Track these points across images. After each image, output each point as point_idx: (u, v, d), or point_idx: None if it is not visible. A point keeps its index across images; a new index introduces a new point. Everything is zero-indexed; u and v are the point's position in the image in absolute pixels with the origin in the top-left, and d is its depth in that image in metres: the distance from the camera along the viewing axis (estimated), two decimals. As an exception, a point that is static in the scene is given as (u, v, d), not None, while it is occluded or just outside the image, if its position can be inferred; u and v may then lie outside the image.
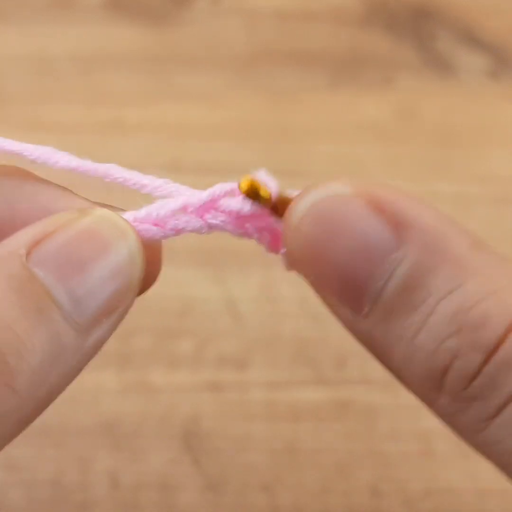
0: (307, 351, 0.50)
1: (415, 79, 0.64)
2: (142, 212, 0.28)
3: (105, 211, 0.26)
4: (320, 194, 0.25)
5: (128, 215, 0.27)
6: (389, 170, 0.59)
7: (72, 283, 0.24)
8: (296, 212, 0.25)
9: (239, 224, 0.28)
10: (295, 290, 0.52)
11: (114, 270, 0.24)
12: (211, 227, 0.28)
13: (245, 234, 0.28)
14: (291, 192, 0.27)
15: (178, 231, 0.28)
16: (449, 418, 0.24)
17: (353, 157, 0.59)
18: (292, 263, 0.26)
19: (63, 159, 0.29)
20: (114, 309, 0.25)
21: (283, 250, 0.26)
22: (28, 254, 0.24)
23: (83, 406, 0.47)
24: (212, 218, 0.28)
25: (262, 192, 0.27)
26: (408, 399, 0.49)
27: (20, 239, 0.24)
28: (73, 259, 0.24)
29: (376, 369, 0.53)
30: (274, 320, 0.51)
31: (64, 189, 0.28)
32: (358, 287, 0.24)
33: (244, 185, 0.27)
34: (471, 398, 0.23)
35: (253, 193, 0.27)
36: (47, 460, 0.46)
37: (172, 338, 0.50)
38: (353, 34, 0.66)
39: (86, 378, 0.48)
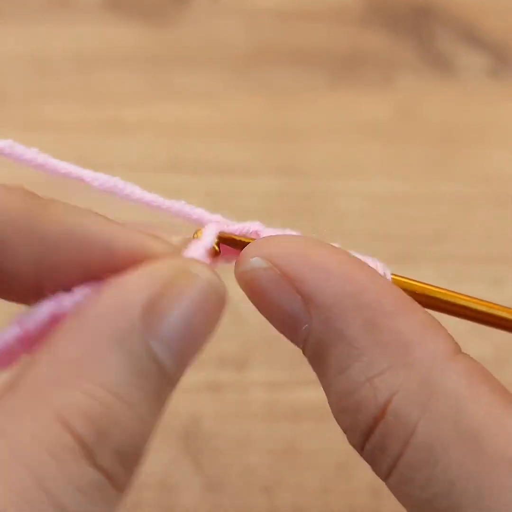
0: (307, 351, 0.50)
1: (415, 79, 0.64)
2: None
3: (209, 275, 0.26)
4: (245, 266, 0.27)
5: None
6: (389, 170, 0.59)
7: (182, 356, 0.25)
8: (235, 274, 0.27)
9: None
10: (295, 290, 0.52)
11: (210, 333, 0.26)
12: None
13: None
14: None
15: None
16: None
17: (353, 156, 0.59)
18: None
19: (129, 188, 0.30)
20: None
21: None
22: (144, 323, 0.24)
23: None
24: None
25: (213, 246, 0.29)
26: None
27: (133, 300, 0.24)
28: (188, 336, 0.25)
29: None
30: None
31: (110, 220, 0.28)
32: (291, 340, 0.27)
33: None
34: (366, 460, 0.27)
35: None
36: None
37: (172, 338, 0.50)
38: (353, 33, 0.66)
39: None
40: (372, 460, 0.26)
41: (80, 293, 0.26)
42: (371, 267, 0.27)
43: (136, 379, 0.23)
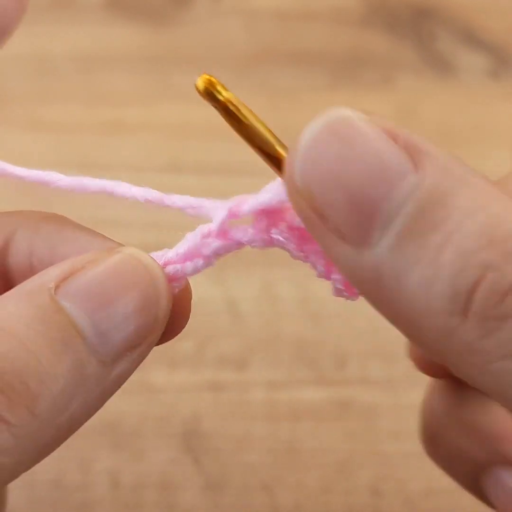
0: (307, 351, 0.50)
1: (415, 79, 0.64)
2: (171, 252, 0.28)
3: (134, 250, 0.26)
4: (333, 115, 0.23)
5: (158, 256, 0.28)
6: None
7: (97, 317, 0.25)
8: (307, 132, 0.23)
9: (298, 246, 0.27)
10: (295, 290, 0.52)
11: (138, 306, 0.25)
12: (273, 243, 0.27)
13: (302, 257, 0.27)
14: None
15: (235, 245, 0.28)
16: (471, 345, 0.22)
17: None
18: (294, 194, 0.24)
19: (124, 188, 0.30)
20: (138, 344, 0.26)
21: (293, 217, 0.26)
22: (57, 287, 0.25)
23: (84, 406, 0.47)
24: (277, 233, 0.27)
25: (220, 88, 0.27)
26: (408, 399, 0.49)
27: (51, 273, 0.25)
28: (99, 294, 0.25)
29: (376, 369, 0.54)
30: (274, 320, 0.52)
31: (99, 234, 0.29)
32: (370, 212, 0.22)
33: (201, 83, 0.27)
34: (503, 315, 0.22)
35: (210, 92, 0.27)
36: (47, 460, 0.46)
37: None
38: (353, 34, 0.66)
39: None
40: (498, 324, 0.22)
41: None
42: None
43: (37, 325, 0.24)
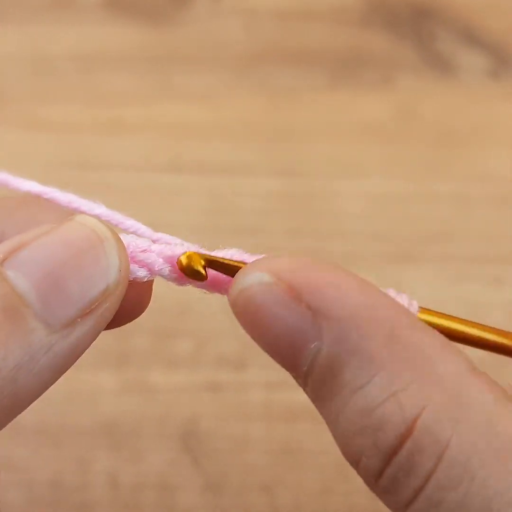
0: (307, 351, 0.50)
1: (415, 79, 0.64)
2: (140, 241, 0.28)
3: (85, 217, 0.26)
4: (245, 282, 0.25)
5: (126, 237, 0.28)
6: (389, 170, 0.59)
7: (42, 284, 0.24)
8: (230, 295, 0.26)
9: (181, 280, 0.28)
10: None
11: (87, 273, 0.25)
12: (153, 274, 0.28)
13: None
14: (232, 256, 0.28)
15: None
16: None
17: (353, 157, 0.59)
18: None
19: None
20: (90, 313, 0.25)
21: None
22: (4, 259, 0.24)
23: (82, 406, 0.47)
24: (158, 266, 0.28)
25: (199, 269, 0.28)
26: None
27: (1, 247, 0.25)
28: (45, 262, 0.24)
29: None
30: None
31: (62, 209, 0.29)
32: (290, 366, 0.25)
33: (184, 261, 0.27)
34: (381, 491, 0.25)
35: (190, 271, 0.28)
36: (46, 460, 0.46)
37: (171, 338, 0.50)
38: (353, 33, 0.66)
39: (85, 379, 0.48)
40: (393, 488, 0.24)
41: None
42: (377, 287, 0.25)
43: None
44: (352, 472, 0.46)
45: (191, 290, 0.55)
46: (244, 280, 0.25)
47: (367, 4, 0.67)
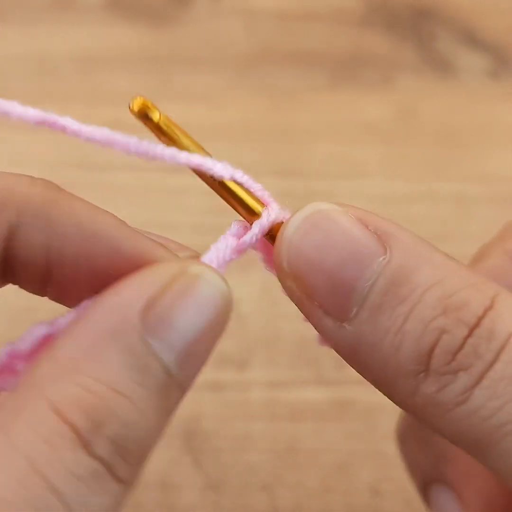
0: (307, 351, 0.50)
1: (415, 79, 0.64)
2: (211, 257, 0.28)
3: (207, 273, 0.26)
4: (312, 208, 0.27)
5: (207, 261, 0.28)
6: (389, 170, 0.59)
7: (183, 354, 0.25)
8: (291, 224, 0.27)
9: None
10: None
11: (216, 335, 0.26)
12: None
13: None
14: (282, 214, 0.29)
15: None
16: (432, 398, 0.26)
17: (353, 157, 0.59)
18: (283, 278, 0.28)
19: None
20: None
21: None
22: (142, 321, 0.24)
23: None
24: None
25: (152, 113, 0.28)
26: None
27: (130, 301, 0.24)
28: (186, 330, 0.25)
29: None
30: (275, 320, 0.52)
31: (119, 220, 0.28)
32: (347, 291, 0.27)
33: (136, 105, 0.28)
34: (456, 369, 0.26)
35: (144, 114, 0.28)
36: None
37: (172, 338, 0.50)
38: (353, 34, 0.66)
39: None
40: (472, 357, 0.26)
41: (73, 314, 0.26)
42: None
43: (135, 375, 0.24)
44: (352, 471, 0.47)
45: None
46: (318, 204, 0.27)
47: (367, 4, 0.67)
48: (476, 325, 0.26)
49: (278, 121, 0.61)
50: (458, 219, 0.57)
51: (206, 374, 0.50)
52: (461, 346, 0.25)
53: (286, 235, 0.27)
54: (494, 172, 0.59)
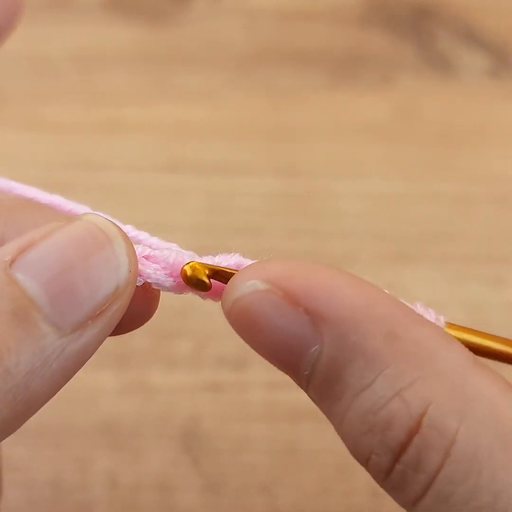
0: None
1: (415, 79, 0.64)
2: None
3: (93, 216, 0.25)
4: (238, 292, 0.25)
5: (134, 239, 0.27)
6: (389, 170, 0.59)
7: (52, 286, 0.24)
8: (224, 305, 0.26)
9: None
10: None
11: (96, 274, 0.24)
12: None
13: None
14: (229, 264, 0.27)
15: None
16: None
17: (353, 157, 0.59)
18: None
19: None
20: (101, 314, 0.25)
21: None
22: (13, 261, 0.24)
23: (82, 406, 0.47)
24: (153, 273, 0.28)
25: (204, 280, 0.27)
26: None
27: (7, 247, 0.25)
28: (54, 263, 0.24)
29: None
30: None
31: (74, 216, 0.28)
32: (290, 371, 0.25)
33: (188, 272, 0.27)
34: (391, 487, 0.24)
35: (194, 281, 0.27)
36: (46, 461, 0.46)
37: (171, 338, 0.50)
38: (353, 34, 0.66)
39: (85, 379, 0.48)
40: (402, 484, 0.24)
41: None
42: (374, 285, 0.25)
43: None
44: (352, 472, 0.46)
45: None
46: (237, 290, 0.25)
47: (367, 4, 0.67)
48: (402, 451, 0.24)
49: (278, 121, 0.61)
50: (458, 219, 0.57)
51: (205, 374, 0.50)
52: (390, 470, 0.24)
53: (224, 310, 0.26)
54: (494, 172, 0.59)
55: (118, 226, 0.25)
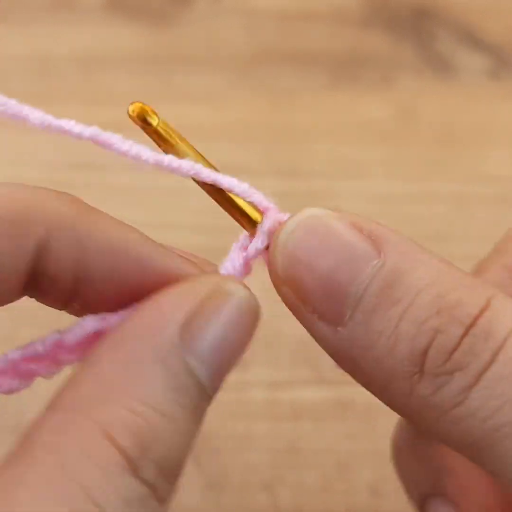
0: (307, 351, 0.50)
1: (415, 79, 0.64)
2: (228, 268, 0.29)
3: (242, 291, 0.27)
4: (307, 214, 0.27)
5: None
6: (389, 170, 0.59)
7: (217, 372, 0.26)
8: (285, 230, 0.27)
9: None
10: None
11: (245, 342, 0.27)
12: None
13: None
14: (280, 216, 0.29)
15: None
16: (427, 400, 0.26)
17: (353, 157, 0.59)
18: (278, 284, 0.28)
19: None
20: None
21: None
22: (182, 339, 0.25)
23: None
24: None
25: (150, 118, 0.29)
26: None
27: (171, 320, 0.25)
28: (223, 352, 0.25)
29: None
30: (275, 320, 0.51)
31: (143, 235, 0.28)
32: (341, 295, 0.27)
33: (134, 110, 0.28)
34: (452, 370, 0.25)
35: (142, 119, 0.29)
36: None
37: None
38: (353, 34, 0.66)
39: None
40: (468, 360, 0.25)
41: (123, 313, 0.26)
42: None
43: (176, 395, 0.24)
44: (352, 471, 0.47)
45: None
46: (311, 210, 0.27)
47: (367, 5, 0.67)
48: (472, 324, 0.25)
49: (278, 121, 0.61)
50: (458, 219, 0.57)
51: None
52: (457, 346, 0.25)
53: (280, 241, 0.27)
54: (494, 172, 0.59)
55: (255, 299, 0.27)
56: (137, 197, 0.57)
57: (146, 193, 0.57)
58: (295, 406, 0.48)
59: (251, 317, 0.26)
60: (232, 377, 0.50)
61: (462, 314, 0.25)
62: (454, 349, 0.25)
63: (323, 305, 0.27)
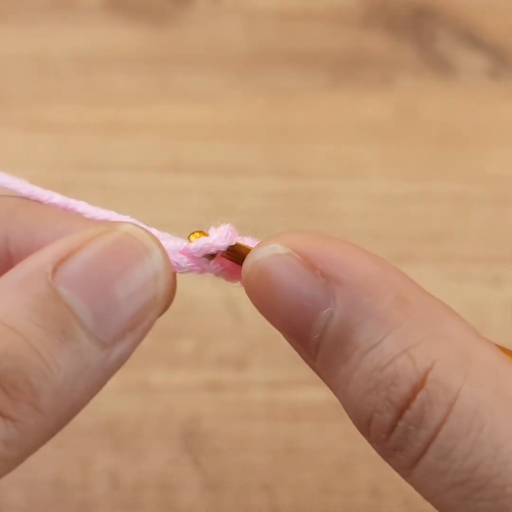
0: (307, 351, 0.50)
1: (415, 79, 0.64)
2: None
3: (130, 227, 0.26)
4: (259, 254, 0.26)
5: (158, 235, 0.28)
6: (389, 170, 0.59)
7: (96, 303, 0.24)
8: (244, 269, 0.26)
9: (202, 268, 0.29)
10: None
11: (138, 286, 0.25)
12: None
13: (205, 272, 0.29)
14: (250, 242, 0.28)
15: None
16: (384, 458, 0.26)
17: (353, 157, 0.59)
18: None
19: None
20: (138, 324, 0.25)
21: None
22: (54, 271, 0.24)
23: (83, 406, 0.47)
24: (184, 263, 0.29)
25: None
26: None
27: (47, 254, 0.25)
28: (97, 277, 0.24)
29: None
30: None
31: (78, 216, 0.29)
32: (301, 336, 0.26)
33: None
34: (392, 448, 0.25)
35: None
36: (47, 460, 0.46)
37: (172, 338, 0.50)
38: (353, 34, 0.66)
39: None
40: (403, 443, 0.25)
41: None
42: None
43: (34, 315, 0.24)
44: (352, 472, 0.46)
45: (192, 290, 0.55)
46: (258, 252, 0.26)
47: (367, 4, 0.67)
48: (406, 407, 0.24)
49: (278, 121, 0.61)
50: (458, 219, 0.57)
51: (205, 374, 0.50)
52: (392, 429, 0.25)
53: (243, 276, 0.27)
54: (494, 172, 0.59)
55: (154, 236, 0.26)
56: (137, 197, 0.57)
57: (146, 193, 0.57)
58: (294, 407, 0.48)
59: (132, 245, 0.25)
60: (232, 377, 0.50)
61: (396, 395, 0.24)
62: (390, 432, 0.25)
63: (290, 338, 0.27)
